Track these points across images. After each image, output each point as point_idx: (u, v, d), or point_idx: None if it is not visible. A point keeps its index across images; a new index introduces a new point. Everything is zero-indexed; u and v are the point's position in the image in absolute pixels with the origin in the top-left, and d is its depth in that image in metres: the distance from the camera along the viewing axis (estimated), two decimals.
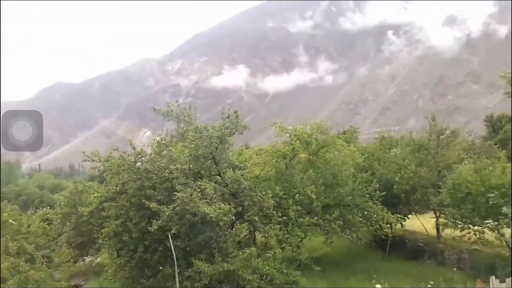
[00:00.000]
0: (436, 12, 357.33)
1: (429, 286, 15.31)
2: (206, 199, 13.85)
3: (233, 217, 14.12)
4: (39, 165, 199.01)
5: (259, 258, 13.61)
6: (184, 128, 16.74)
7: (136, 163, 15.78)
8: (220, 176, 16.26)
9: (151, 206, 13.87)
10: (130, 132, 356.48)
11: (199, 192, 13.92)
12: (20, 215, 29.98)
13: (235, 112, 16.53)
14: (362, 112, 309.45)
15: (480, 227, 18.08)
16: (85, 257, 26.89)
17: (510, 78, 15.65)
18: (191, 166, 15.46)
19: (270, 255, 13.94)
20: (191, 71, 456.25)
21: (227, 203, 14.22)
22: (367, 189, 20.97)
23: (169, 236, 13.39)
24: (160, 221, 13.61)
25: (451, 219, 19.25)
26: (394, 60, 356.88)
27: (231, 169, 16.63)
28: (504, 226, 16.65)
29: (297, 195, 18.61)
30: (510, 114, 48.56)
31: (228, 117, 16.27)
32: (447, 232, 21.12)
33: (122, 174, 15.39)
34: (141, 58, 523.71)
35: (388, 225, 23.09)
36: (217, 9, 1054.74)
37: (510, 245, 17.45)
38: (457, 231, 18.99)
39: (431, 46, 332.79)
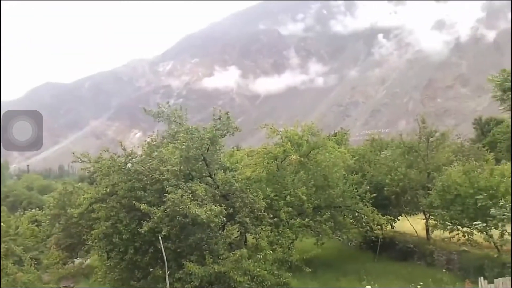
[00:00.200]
0: (425, 16, 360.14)
1: (419, 287, 15.40)
2: (197, 200, 13.81)
3: (224, 218, 14.08)
4: (27, 166, 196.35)
5: (250, 260, 13.58)
6: (175, 129, 16.71)
7: (126, 164, 15.65)
8: (211, 177, 16.23)
9: (141, 207, 13.78)
10: (120, 133, 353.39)
11: (190, 193, 13.87)
12: (8, 217, 29.49)
13: (226, 113, 16.57)
14: (353, 114, 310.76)
15: (469, 229, 18.33)
16: (75, 259, 26.59)
17: (498, 82, 15.92)
18: (182, 167, 15.39)
19: (261, 256, 13.93)
20: (182, 72, 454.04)
21: (218, 204, 14.17)
22: (357, 191, 21.13)
23: (160, 237, 13.32)
24: (151, 223, 13.52)
25: (441, 221, 19.51)
26: (385, 63, 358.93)
27: (222, 170, 16.57)
28: (492, 227, 16.86)
29: (288, 196, 18.67)
30: (498, 117, 49.27)
31: (219, 118, 16.29)
32: (437, 233, 21.29)
33: (113, 176, 15.28)
34: (132, 59, 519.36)
35: (379, 227, 23.29)
36: (209, 11, 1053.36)
37: (498, 246, 17.67)
38: (446, 232, 19.25)
39: (421, 49, 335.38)
